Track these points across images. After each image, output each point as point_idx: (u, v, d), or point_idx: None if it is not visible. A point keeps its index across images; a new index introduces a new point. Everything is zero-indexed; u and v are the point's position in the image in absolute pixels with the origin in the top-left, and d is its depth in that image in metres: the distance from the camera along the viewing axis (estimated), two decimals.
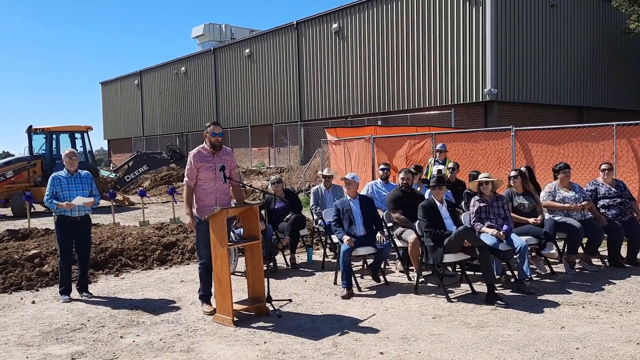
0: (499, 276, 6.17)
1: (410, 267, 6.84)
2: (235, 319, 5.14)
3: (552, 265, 6.79)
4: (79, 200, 6.08)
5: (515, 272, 6.12)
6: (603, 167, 7.22)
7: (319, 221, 7.88)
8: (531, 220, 6.54)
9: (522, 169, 7.44)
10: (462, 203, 7.51)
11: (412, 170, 7.66)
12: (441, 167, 8.62)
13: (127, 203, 18.09)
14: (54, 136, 17.03)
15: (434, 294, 5.97)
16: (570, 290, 5.94)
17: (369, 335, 4.73)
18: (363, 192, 7.93)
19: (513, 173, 6.94)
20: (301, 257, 8.17)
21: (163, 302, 6.05)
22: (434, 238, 5.89)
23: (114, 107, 43.07)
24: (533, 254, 6.69)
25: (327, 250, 7.91)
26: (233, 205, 5.70)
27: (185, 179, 5.60)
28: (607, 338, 4.46)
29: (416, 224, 6.20)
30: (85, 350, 4.58)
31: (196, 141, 30.47)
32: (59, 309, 5.85)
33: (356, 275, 6.45)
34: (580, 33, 22.14)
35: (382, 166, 8.43)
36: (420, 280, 6.28)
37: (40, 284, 6.89)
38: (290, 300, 5.91)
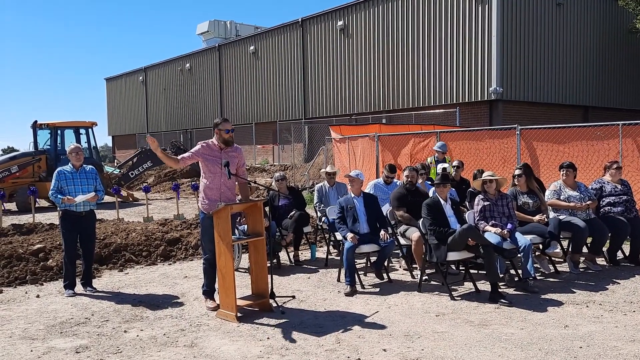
0: (502, 275, 6.16)
1: (414, 265, 6.84)
2: (239, 314, 5.15)
3: (556, 265, 6.77)
4: (80, 198, 6.09)
5: (519, 271, 6.11)
6: (614, 166, 7.18)
7: (323, 218, 7.88)
8: (536, 217, 6.52)
9: (518, 167, 7.23)
10: (466, 201, 7.49)
11: (417, 167, 7.63)
12: (446, 165, 8.60)
13: (131, 199, 18.17)
14: (59, 131, 17.12)
15: (437, 292, 5.96)
16: (574, 290, 5.92)
17: (372, 332, 4.74)
18: (366, 190, 7.91)
19: (517, 172, 6.93)
20: (305, 254, 8.18)
21: (167, 297, 6.07)
22: (438, 236, 5.88)
23: (118, 103, 43.15)
24: (537, 252, 6.68)
25: (331, 247, 7.92)
26: (238, 201, 5.70)
27: (184, 155, 5.61)
28: (611, 337, 4.45)
29: (420, 221, 6.19)
30: (90, 344, 4.60)
31: (200, 138, 30.38)
32: (64, 303, 5.87)
33: (359, 272, 6.45)
34: (587, 32, 22.04)
35: (386, 173, 7.84)
36: (424, 278, 6.28)
37: (45, 278, 6.92)
38: (293, 297, 5.92)
